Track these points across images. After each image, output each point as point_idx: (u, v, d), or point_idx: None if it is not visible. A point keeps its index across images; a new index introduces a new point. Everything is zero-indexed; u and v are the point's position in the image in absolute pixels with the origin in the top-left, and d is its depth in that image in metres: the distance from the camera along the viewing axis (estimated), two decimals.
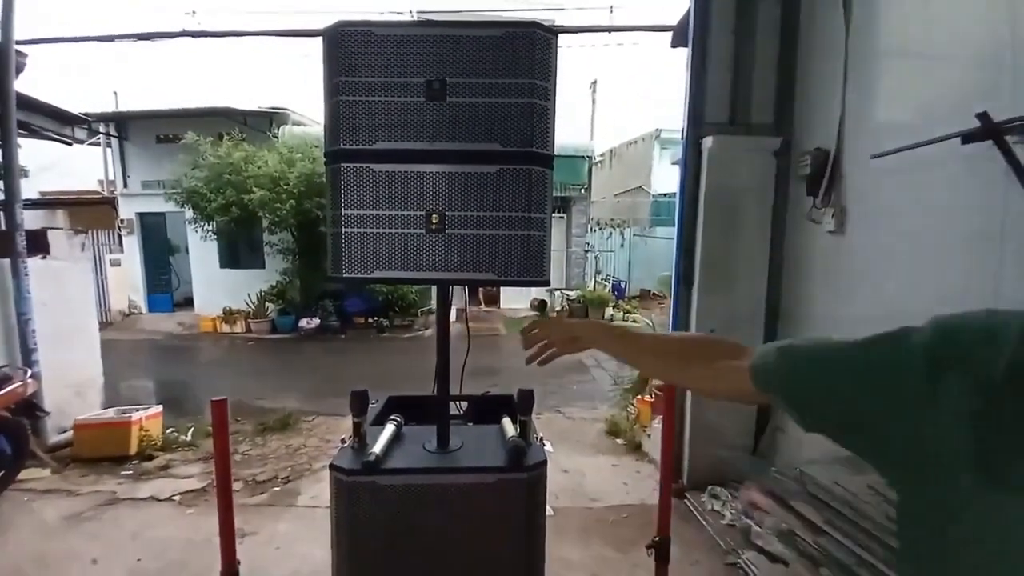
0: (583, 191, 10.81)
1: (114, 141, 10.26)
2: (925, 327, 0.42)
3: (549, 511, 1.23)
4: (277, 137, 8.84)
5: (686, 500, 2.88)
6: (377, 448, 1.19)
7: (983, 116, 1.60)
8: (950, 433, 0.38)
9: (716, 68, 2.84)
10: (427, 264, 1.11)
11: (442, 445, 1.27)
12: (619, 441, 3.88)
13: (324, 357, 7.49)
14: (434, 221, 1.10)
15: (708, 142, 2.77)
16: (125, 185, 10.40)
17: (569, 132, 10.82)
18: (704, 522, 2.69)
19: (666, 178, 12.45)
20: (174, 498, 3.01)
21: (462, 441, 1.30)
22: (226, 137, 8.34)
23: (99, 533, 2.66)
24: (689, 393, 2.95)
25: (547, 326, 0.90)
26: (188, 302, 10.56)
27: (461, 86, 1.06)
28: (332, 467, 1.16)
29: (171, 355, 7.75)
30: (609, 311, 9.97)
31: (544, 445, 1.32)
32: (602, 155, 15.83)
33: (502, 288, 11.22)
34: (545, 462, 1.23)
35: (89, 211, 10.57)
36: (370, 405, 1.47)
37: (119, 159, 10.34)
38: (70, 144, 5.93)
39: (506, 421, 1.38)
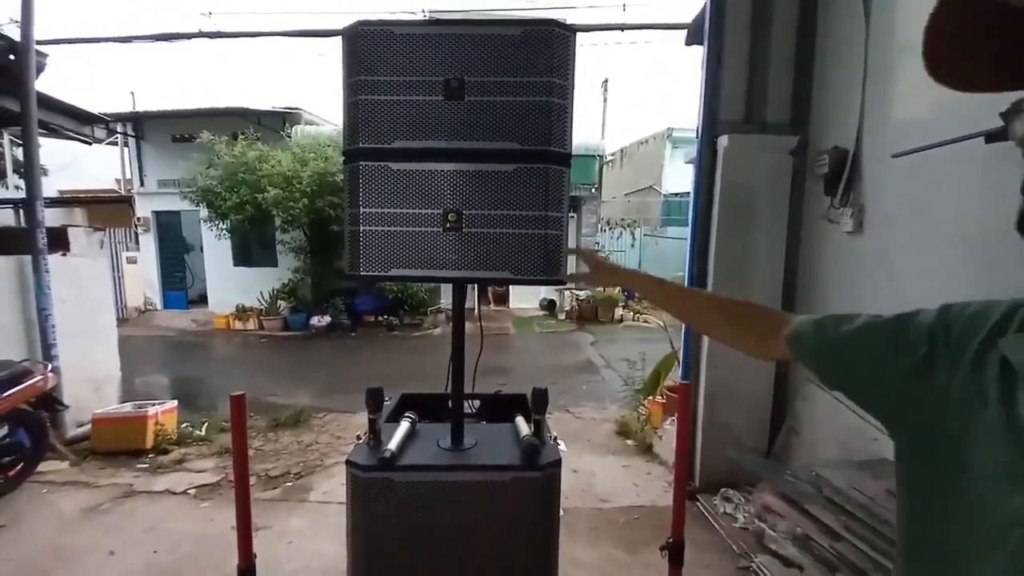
0: (593, 190, 10.77)
1: (131, 140, 10.44)
2: (932, 310, 0.50)
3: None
4: (290, 137, 8.93)
5: (698, 502, 2.86)
6: (392, 445, 1.19)
7: (1007, 115, 1.56)
8: (936, 401, 0.46)
9: (732, 66, 2.81)
10: (444, 263, 1.12)
11: (456, 443, 1.27)
12: (629, 442, 3.86)
13: (335, 355, 7.56)
14: (451, 219, 1.10)
15: (723, 141, 2.74)
16: (142, 184, 10.58)
17: (580, 131, 10.76)
18: (716, 525, 2.66)
19: (677, 178, 12.36)
20: (189, 492, 3.06)
21: (476, 439, 1.30)
22: (240, 137, 8.44)
23: (116, 525, 2.71)
24: (702, 396, 2.93)
25: (601, 265, 1.07)
26: (202, 299, 10.71)
27: (479, 85, 1.05)
28: (348, 463, 1.17)
29: (185, 351, 7.87)
30: (619, 311, 9.92)
31: (558, 444, 1.31)
32: (613, 154, 15.77)
33: (511, 287, 11.23)
34: (559, 462, 1.22)
35: (107, 209, 10.73)
36: (384, 403, 1.48)
37: (136, 158, 10.52)
38: (89, 143, 6.03)
39: (520, 420, 1.38)
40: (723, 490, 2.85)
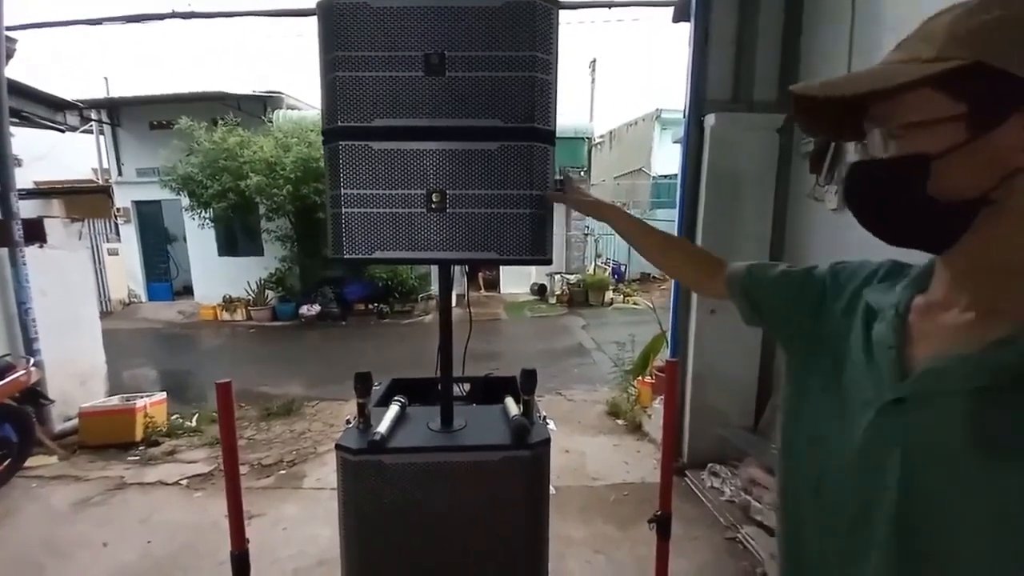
0: (582, 174, 10.72)
1: (107, 128, 10.11)
2: (825, 266, 0.66)
3: (551, 490, 1.24)
4: (272, 122, 8.72)
5: (686, 478, 2.93)
6: (382, 428, 1.19)
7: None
8: (821, 336, 0.60)
9: (719, 44, 2.79)
10: (428, 244, 1.10)
11: (446, 425, 1.28)
12: (619, 422, 3.92)
13: (325, 343, 7.53)
14: (435, 200, 1.08)
15: (710, 120, 2.73)
16: (120, 173, 10.29)
17: (568, 113, 10.66)
18: (704, 499, 2.73)
19: (666, 159, 12.34)
20: (181, 482, 3.06)
21: (466, 421, 1.31)
22: (220, 122, 8.22)
23: (108, 517, 2.70)
24: (690, 375, 2.97)
25: (582, 193, 1.14)
26: (188, 290, 10.55)
27: (460, 59, 1.03)
28: (338, 447, 1.17)
29: (173, 343, 7.78)
30: (609, 294, 9.98)
31: (547, 424, 1.33)
32: (602, 137, 15.66)
33: (502, 273, 11.21)
34: (548, 440, 1.23)
35: (84, 200, 10.49)
36: (373, 387, 1.48)
37: (112, 147, 10.21)
38: (63, 131, 5.84)
39: (509, 400, 1.39)
40: (710, 465, 2.92)
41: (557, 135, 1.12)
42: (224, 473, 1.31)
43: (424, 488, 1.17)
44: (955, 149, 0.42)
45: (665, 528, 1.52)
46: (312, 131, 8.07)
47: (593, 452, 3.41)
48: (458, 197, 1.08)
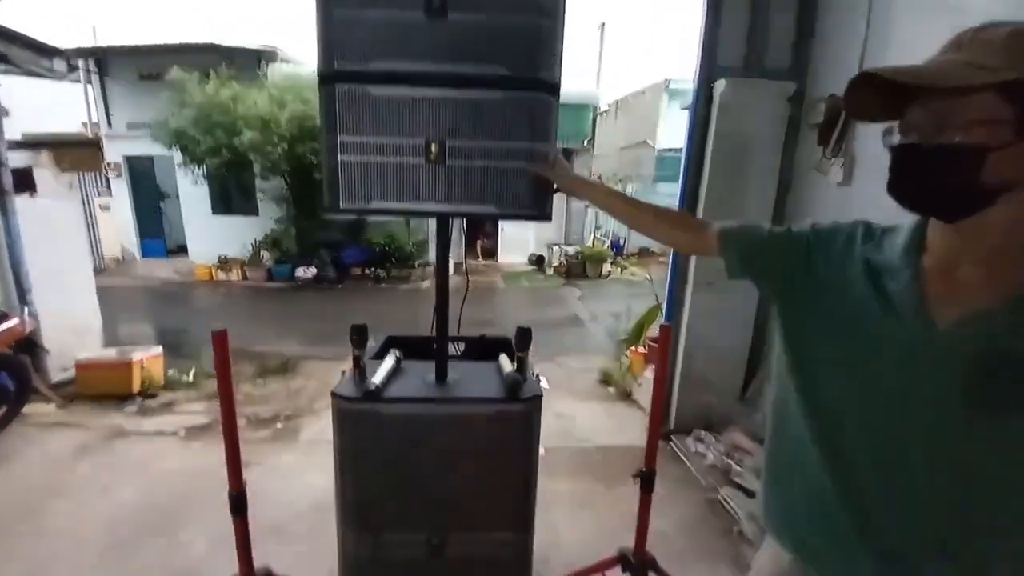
0: (586, 143, 10.51)
1: (95, 79, 9.73)
2: (808, 227, 0.77)
3: (541, 451, 1.27)
4: (266, 76, 8.42)
5: (672, 442, 3.01)
6: (377, 379, 1.21)
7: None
8: (813, 286, 0.71)
9: (732, 8, 2.68)
10: (426, 195, 1.09)
11: (441, 378, 1.30)
12: (611, 390, 4.00)
13: (321, 306, 7.54)
14: (433, 151, 1.06)
15: (720, 86, 2.66)
16: (109, 125, 9.99)
17: (575, 79, 10.31)
18: (688, 462, 2.82)
19: (672, 132, 12.08)
20: (179, 433, 3.12)
21: (460, 376, 1.33)
22: (213, 75, 7.93)
23: (108, 463, 2.76)
24: (682, 345, 3.01)
25: (562, 167, 1.12)
26: (181, 249, 10.45)
27: (463, 1, 0.99)
28: (334, 394, 1.19)
29: (168, 302, 7.77)
30: (607, 266, 9.98)
31: (540, 381, 1.35)
32: (608, 106, 15.26)
33: (500, 242, 11.16)
34: (541, 396, 1.26)
35: (74, 153, 10.22)
36: (368, 346, 1.49)
37: (101, 98, 9.87)
38: (49, 78, 5.63)
39: (503, 357, 1.41)
40: (696, 431, 3.00)
41: (562, 101, 1.08)
42: (220, 414, 1.34)
43: (418, 437, 1.20)
44: (1005, 147, 0.52)
45: (648, 482, 1.58)
46: (308, 88, 7.81)
47: (583, 417, 3.49)
48: (458, 148, 1.06)
